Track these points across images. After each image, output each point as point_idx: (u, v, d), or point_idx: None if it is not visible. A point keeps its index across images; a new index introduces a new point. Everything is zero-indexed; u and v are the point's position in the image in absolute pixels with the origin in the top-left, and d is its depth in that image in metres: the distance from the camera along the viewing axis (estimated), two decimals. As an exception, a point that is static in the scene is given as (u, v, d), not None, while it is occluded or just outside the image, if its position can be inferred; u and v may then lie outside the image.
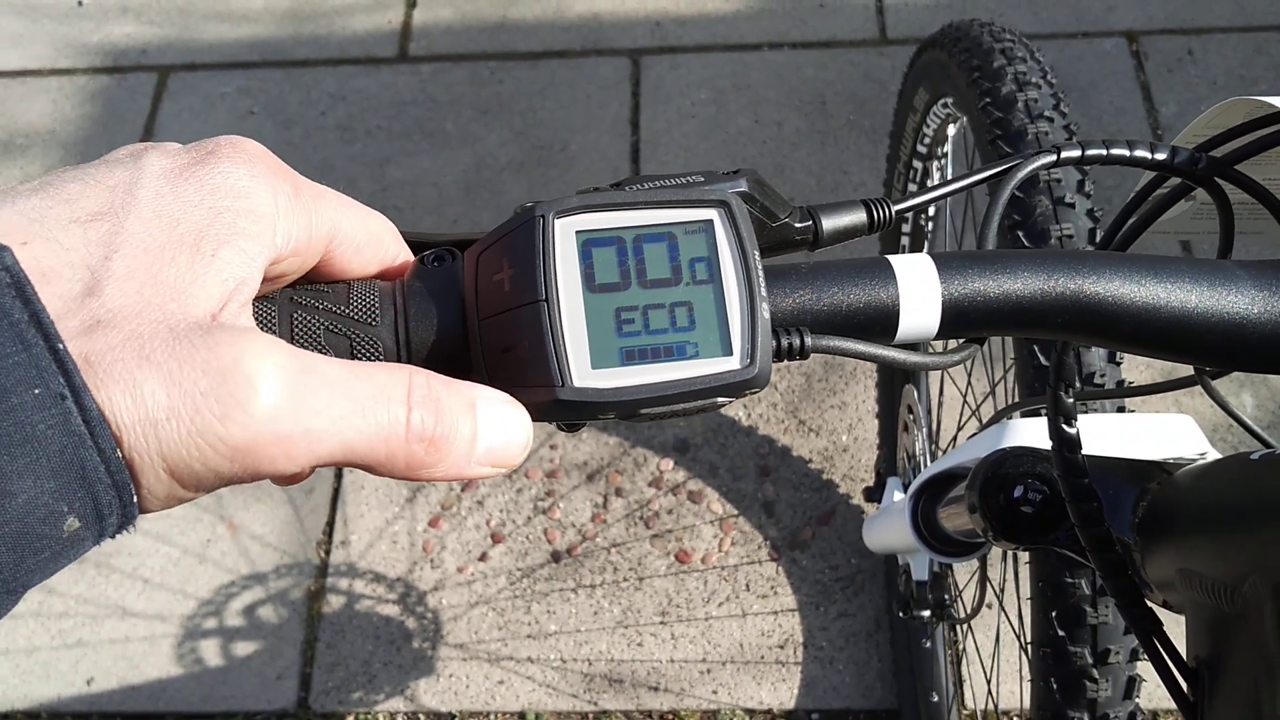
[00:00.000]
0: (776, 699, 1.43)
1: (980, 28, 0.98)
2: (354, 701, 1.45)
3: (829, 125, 1.87)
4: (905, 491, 1.13)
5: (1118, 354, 0.78)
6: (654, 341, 0.32)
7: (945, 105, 1.09)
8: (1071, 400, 0.48)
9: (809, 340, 0.34)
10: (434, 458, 0.30)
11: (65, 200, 0.29)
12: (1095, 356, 0.77)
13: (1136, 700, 0.76)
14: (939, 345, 1.41)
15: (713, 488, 1.57)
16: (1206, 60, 1.89)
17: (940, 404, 1.25)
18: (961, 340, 0.38)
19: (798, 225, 0.38)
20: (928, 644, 1.35)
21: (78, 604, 1.52)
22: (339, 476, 1.60)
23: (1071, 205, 0.82)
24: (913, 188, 1.26)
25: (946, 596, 1.02)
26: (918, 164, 1.21)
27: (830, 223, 0.39)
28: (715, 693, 1.44)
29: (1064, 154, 0.41)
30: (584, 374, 0.32)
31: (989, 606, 1.41)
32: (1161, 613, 0.51)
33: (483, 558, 1.54)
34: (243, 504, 1.58)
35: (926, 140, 1.18)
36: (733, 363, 0.32)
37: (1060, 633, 0.74)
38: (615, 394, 0.32)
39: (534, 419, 0.33)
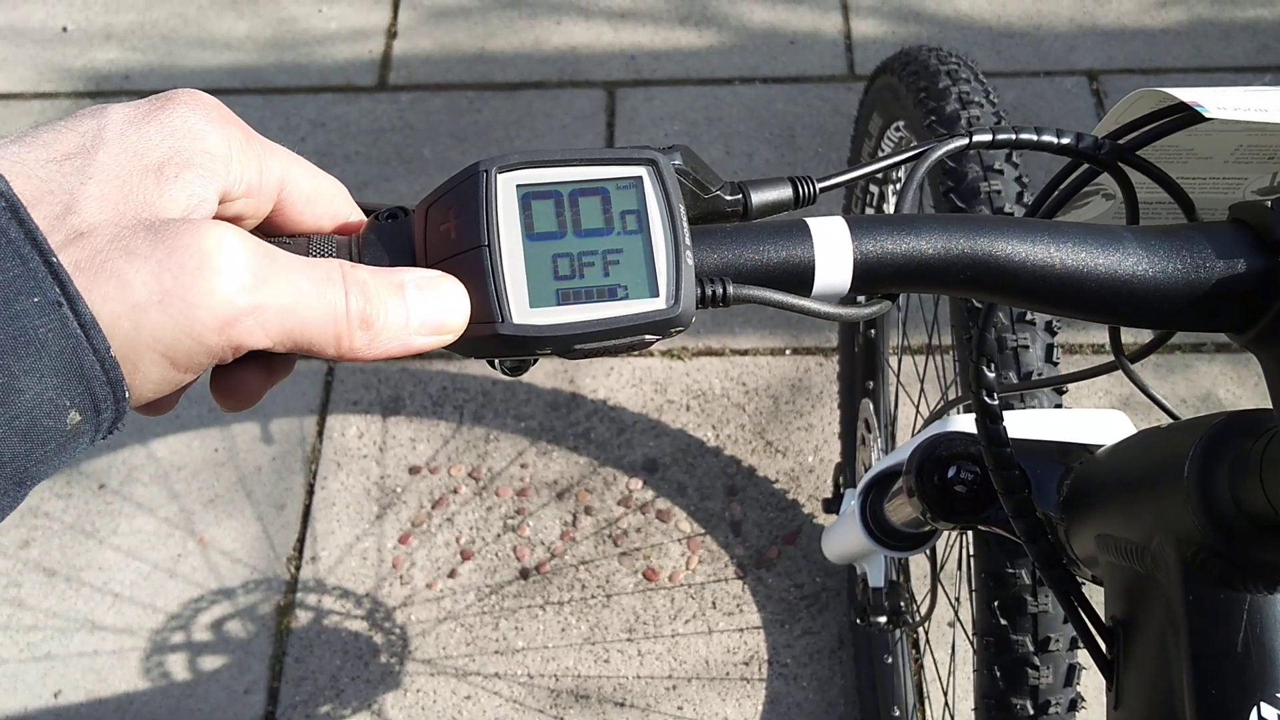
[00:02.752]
0: (741, 715, 1.45)
1: (928, 52, 1.03)
2: (321, 716, 1.46)
3: (798, 157, 1.92)
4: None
5: (1054, 353, 0.81)
6: (587, 284, 0.36)
7: (898, 129, 1.13)
8: (993, 375, 0.51)
9: (731, 289, 0.37)
10: (372, 335, 0.34)
11: (42, 145, 0.32)
12: (1033, 356, 0.81)
13: (1077, 687, 0.78)
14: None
15: (681, 507, 1.60)
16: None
17: (895, 419, 1.29)
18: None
19: (728, 198, 0.41)
20: (889, 659, 1.37)
21: (47, 617, 1.52)
22: (310, 493, 1.62)
23: (1000, 172, 0.87)
24: (870, 211, 1.30)
25: (902, 603, 1.05)
26: (874, 188, 1.25)
27: (759, 197, 0.42)
28: (681, 709, 1.46)
29: (975, 138, 0.45)
30: (523, 312, 0.35)
31: (950, 625, 1.43)
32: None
33: (452, 574, 1.55)
34: (214, 520, 1.59)
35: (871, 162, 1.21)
36: (659, 303, 0.36)
37: (1002, 622, 0.77)
38: (551, 329, 0.35)
39: (478, 355, 0.36)
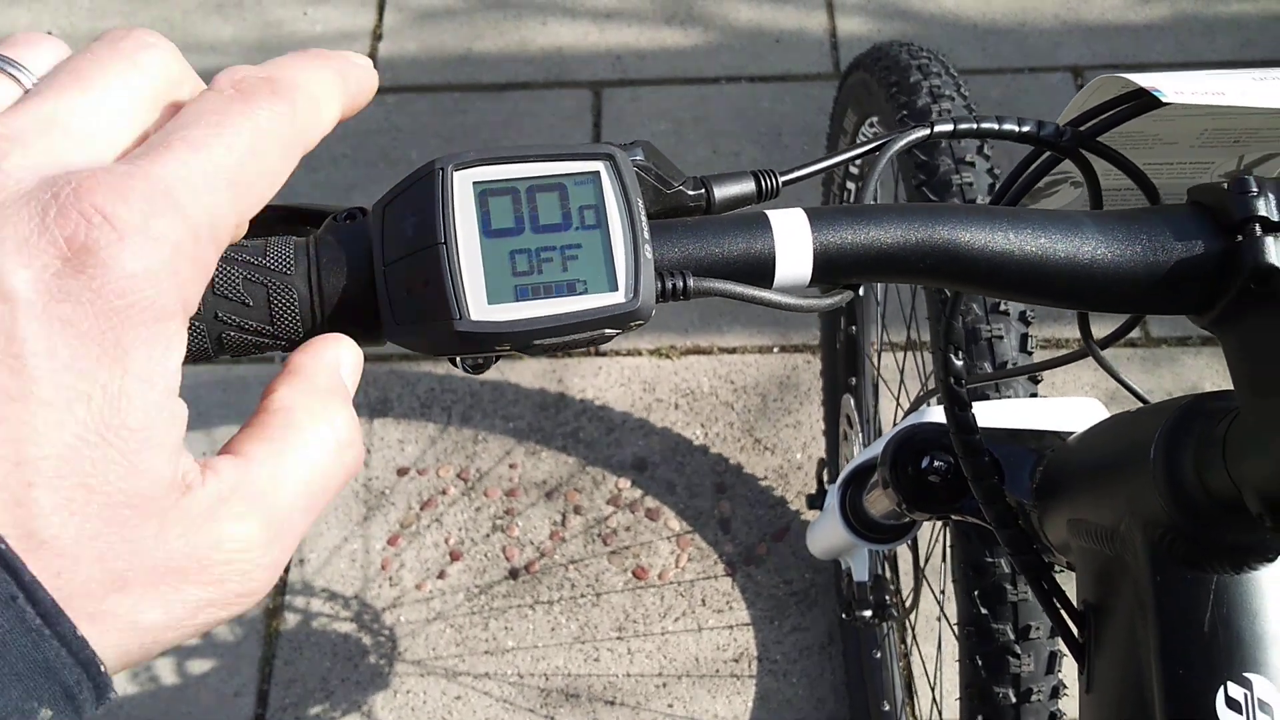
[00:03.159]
0: (731, 712, 1.45)
1: (899, 47, 1.03)
2: (311, 718, 1.46)
3: (784, 155, 1.92)
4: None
5: (1029, 343, 0.82)
6: (546, 280, 0.36)
7: (871, 125, 1.13)
8: (961, 363, 0.51)
9: (691, 282, 0.37)
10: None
11: None
12: (1007, 346, 0.81)
13: (1059, 675, 0.78)
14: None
15: (669, 505, 1.60)
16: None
17: (877, 414, 1.29)
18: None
19: (690, 193, 0.41)
20: (878, 654, 1.37)
21: (35, 622, 1.52)
22: (299, 495, 1.61)
23: (972, 164, 0.87)
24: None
25: (887, 597, 1.05)
26: (851, 185, 1.25)
27: (721, 191, 0.42)
28: (671, 706, 1.46)
29: (937, 128, 0.45)
30: (481, 308, 0.35)
31: (938, 620, 1.44)
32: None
33: (441, 575, 1.55)
34: (203, 523, 1.59)
35: (857, 161, 1.22)
36: (618, 297, 0.36)
37: (983, 611, 0.77)
38: (510, 326, 0.35)
39: (437, 354, 0.36)
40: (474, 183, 0.36)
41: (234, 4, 2.18)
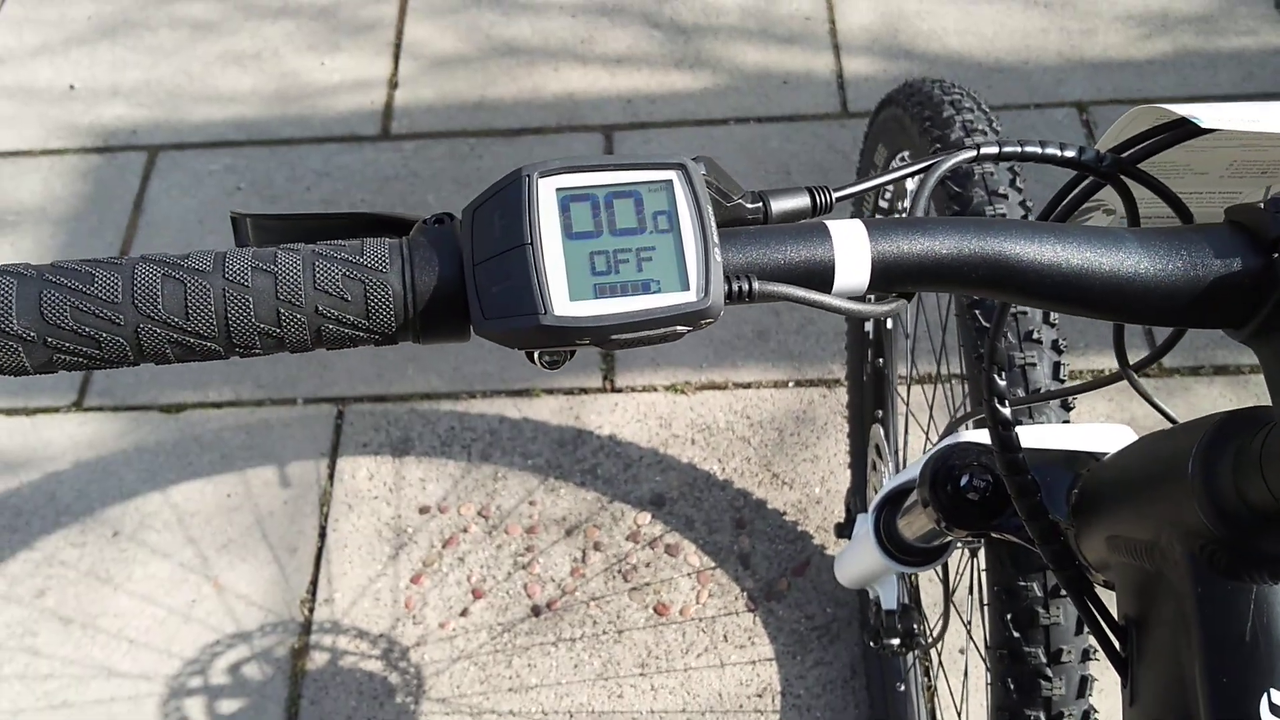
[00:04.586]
0: (756, 746, 1.45)
1: (932, 84, 1.06)
2: (337, 757, 1.46)
3: (795, 193, 1.95)
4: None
5: (1062, 370, 0.83)
6: (623, 279, 0.38)
7: (903, 159, 1.16)
8: (1004, 383, 0.53)
9: (756, 285, 0.40)
10: None
11: None
12: (1040, 374, 0.83)
13: (1090, 699, 0.79)
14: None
15: (690, 540, 1.61)
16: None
17: (906, 444, 1.31)
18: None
19: (749, 205, 0.44)
20: (902, 687, 1.38)
21: (63, 665, 1.53)
22: (322, 536, 1.63)
23: (1005, 196, 0.89)
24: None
25: (915, 625, 1.06)
26: (883, 204, 1.28)
27: (778, 205, 0.45)
28: (696, 741, 1.46)
29: (983, 150, 0.47)
30: (563, 304, 0.38)
31: (961, 652, 1.44)
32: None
33: (464, 613, 1.56)
34: (228, 564, 1.60)
35: (887, 194, 1.25)
36: (690, 296, 0.38)
37: (1015, 634, 0.78)
38: (590, 321, 0.38)
39: (521, 347, 0.39)
40: (557, 189, 0.39)
41: (252, 55, 2.22)
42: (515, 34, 2.23)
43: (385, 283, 0.38)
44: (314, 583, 1.59)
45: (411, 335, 0.40)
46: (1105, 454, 0.61)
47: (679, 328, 0.39)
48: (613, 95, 2.12)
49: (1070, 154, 0.47)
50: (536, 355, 0.41)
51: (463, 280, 0.39)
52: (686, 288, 0.38)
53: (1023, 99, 2.06)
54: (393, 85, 2.16)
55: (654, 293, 0.38)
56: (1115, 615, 0.54)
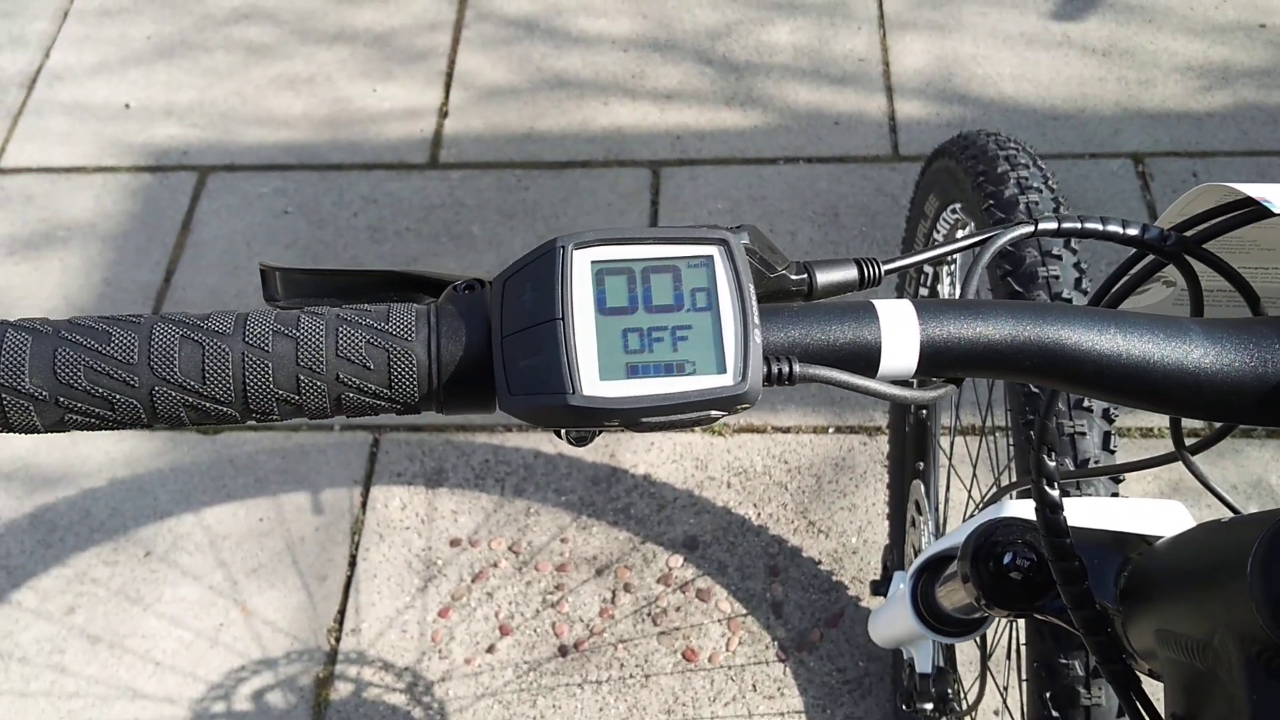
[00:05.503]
0: (782, 801, 1.42)
1: (986, 137, 1.04)
2: (357, 791, 1.44)
3: (841, 236, 1.93)
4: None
5: (1111, 441, 0.81)
6: (656, 359, 0.37)
7: (954, 211, 1.14)
8: (1054, 464, 0.51)
9: (797, 368, 0.38)
10: None
11: None
12: (1089, 443, 0.80)
13: (1132, 784, 0.76)
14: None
15: (721, 586, 1.58)
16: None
17: (947, 500, 1.27)
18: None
19: (794, 277, 0.42)
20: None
21: (89, 684, 1.53)
22: (352, 565, 1.62)
23: (1059, 258, 0.87)
24: (924, 291, 1.30)
25: (949, 690, 1.03)
26: (929, 268, 1.25)
27: (824, 277, 0.43)
28: (720, 793, 1.43)
29: (1041, 225, 0.45)
30: (593, 384, 0.36)
31: (996, 715, 1.40)
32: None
33: (490, 649, 1.54)
34: (257, 589, 1.60)
35: (937, 245, 1.22)
36: (726, 379, 0.36)
37: (1054, 714, 0.75)
38: (620, 402, 0.36)
39: (547, 426, 0.37)
40: (592, 261, 0.38)
41: (305, 80, 2.24)
42: (566, 66, 2.23)
43: (410, 351, 0.37)
44: (341, 612, 1.58)
45: (434, 406, 0.39)
46: (1157, 536, 0.58)
47: (713, 412, 0.37)
48: (661, 131, 2.12)
49: (1133, 232, 0.45)
50: (564, 431, 0.39)
51: (490, 352, 0.37)
52: (723, 370, 0.37)
53: (1078, 148, 2.03)
54: (443, 114, 2.17)
55: (688, 374, 0.37)
56: (1161, 711, 0.51)
